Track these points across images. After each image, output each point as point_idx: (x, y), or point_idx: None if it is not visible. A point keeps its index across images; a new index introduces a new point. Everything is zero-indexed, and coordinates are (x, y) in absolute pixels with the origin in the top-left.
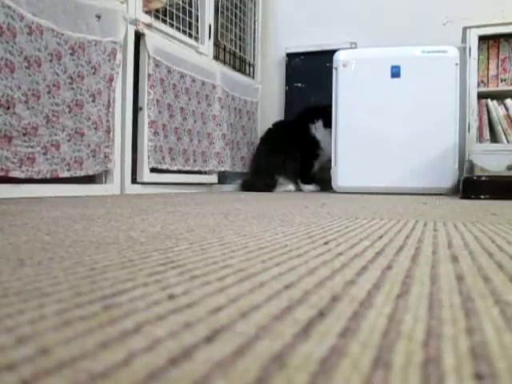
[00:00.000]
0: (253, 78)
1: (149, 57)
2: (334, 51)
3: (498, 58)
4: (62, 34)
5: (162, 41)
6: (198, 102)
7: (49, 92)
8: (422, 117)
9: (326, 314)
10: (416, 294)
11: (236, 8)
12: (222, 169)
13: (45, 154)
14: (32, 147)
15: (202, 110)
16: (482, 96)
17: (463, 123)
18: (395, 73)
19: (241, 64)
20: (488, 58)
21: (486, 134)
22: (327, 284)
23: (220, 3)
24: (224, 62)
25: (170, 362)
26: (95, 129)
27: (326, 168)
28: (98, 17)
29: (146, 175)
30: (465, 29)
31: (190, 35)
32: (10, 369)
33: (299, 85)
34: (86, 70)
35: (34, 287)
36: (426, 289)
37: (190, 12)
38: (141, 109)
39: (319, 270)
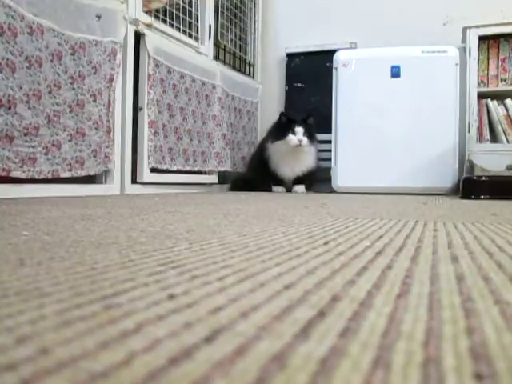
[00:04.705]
0: (253, 78)
1: (149, 57)
2: (334, 51)
3: (498, 58)
4: (63, 34)
5: (162, 41)
6: (198, 102)
7: (50, 92)
8: (422, 117)
9: (326, 314)
10: (416, 293)
11: (236, 8)
12: (223, 169)
13: (46, 154)
14: (33, 147)
15: (202, 109)
16: (481, 96)
17: (463, 123)
18: (395, 73)
19: (241, 64)
20: (488, 58)
21: (486, 134)
22: (327, 284)
23: (220, 3)
24: (224, 62)
25: (170, 361)
26: (96, 129)
27: (315, 170)
28: (98, 17)
29: (146, 175)
30: (465, 29)
31: (190, 35)
32: (10, 369)
33: (299, 85)
34: (86, 70)
35: (33, 287)
36: (426, 289)
37: (190, 12)
38: (141, 109)
39: (319, 269)
